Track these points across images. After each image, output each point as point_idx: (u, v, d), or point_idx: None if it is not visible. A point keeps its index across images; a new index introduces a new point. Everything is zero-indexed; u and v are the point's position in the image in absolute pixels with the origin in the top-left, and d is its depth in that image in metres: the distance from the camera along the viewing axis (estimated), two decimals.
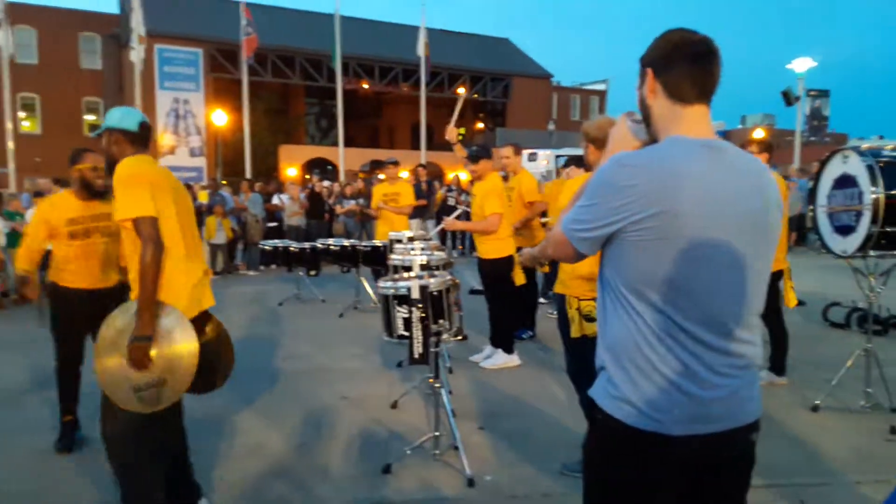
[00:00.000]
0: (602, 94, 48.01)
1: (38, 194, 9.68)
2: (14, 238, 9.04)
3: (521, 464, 3.85)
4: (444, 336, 3.89)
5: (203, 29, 30.86)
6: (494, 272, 5.79)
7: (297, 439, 4.26)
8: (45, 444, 4.10)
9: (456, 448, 3.76)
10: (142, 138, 2.91)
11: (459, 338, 4.62)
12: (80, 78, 32.77)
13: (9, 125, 14.73)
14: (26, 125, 31.33)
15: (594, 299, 3.01)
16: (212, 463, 3.83)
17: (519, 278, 5.97)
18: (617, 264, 1.53)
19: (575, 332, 3.56)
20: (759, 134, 31.46)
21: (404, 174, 13.21)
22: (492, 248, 5.73)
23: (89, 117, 33.35)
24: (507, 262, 5.75)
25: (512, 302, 6.04)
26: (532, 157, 21.72)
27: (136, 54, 16.79)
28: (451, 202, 14.06)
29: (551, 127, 37.92)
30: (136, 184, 2.65)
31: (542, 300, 8.26)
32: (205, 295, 2.97)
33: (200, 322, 2.92)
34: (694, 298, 1.47)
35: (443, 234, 14.55)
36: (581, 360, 3.44)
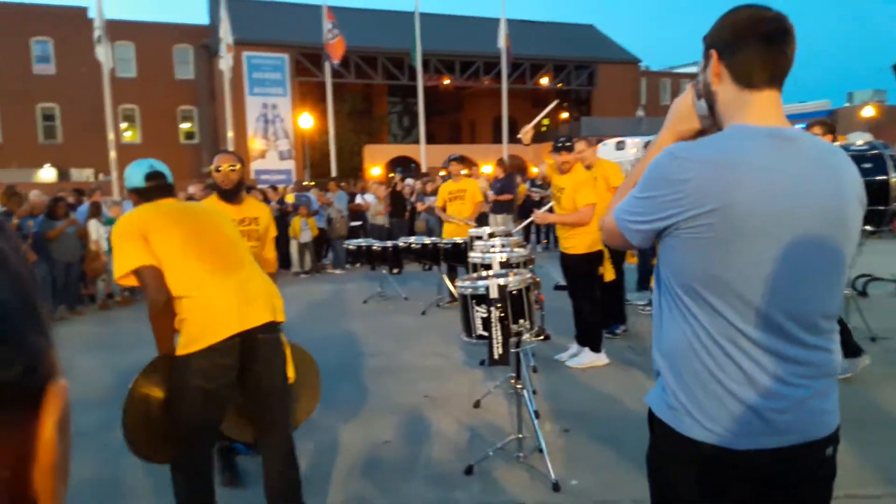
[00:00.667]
0: (694, 77, 45.99)
1: None
2: None
3: (609, 468, 3.68)
4: (525, 336, 3.76)
5: (288, 34, 31.80)
6: (580, 268, 5.59)
7: (380, 437, 4.25)
8: None
9: (540, 450, 3.63)
10: (152, 189, 2.84)
11: (541, 338, 4.46)
12: (175, 88, 34.49)
13: (111, 136, 15.60)
14: (128, 135, 33.25)
15: None
16: None
17: (608, 274, 5.74)
18: (672, 263, 1.43)
19: None
20: (868, 112, 29.33)
21: (487, 168, 13.09)
22: (579, 242, 5.52)
23: (184, 125, 35.05)
24: (595, 257, 5.54)
25: (599, 298, 5.82)
26: (620, 146, 21.06)
27: (224, 62, 17.45)
28: (537, 197, 13.81)
29: (640, 113, 36.81)
30: (122, 240, 2.63)
31: (635, 295, 7.96)
32: (248, 314, 2.70)
33: (245, 344, 2.69)
34: (755, 301, 1.34)
35: (527, 229, 14.32)
36: None
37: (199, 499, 2.74)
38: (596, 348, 5.65)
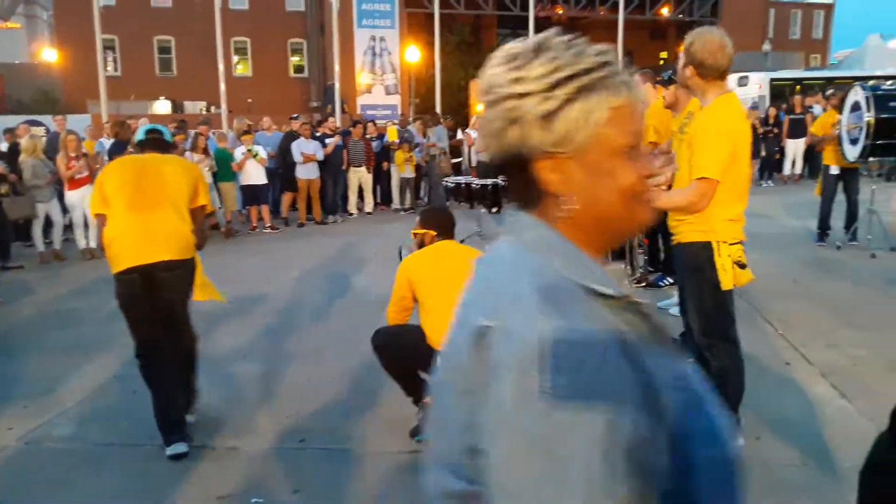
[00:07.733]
0: (828, 9, 41.97)
1: (246, 133, 10.40)
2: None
3: None
4: (624, 281, 3.53)
5: None
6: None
7: None
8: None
9: None
10: (145, 143, 3.47)
11: (642, 285, 4.17)
12: (286, 20, 34.68)
13: (221, 68, 15.87)
14: (239, 68, 33.97)
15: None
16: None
17: None
18: None
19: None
20: None
21: None
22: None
23: (294, 59, 35.39)
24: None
25: None
26: (742, 82, 19.71)
27: None
28: None
29: (766, 47, 34.03)
30: (95, 187, 3.40)
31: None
32: (146, 251, 3.16)
33: (146, 279, 3.18)
34: None
35: None
36: None
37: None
38: None
